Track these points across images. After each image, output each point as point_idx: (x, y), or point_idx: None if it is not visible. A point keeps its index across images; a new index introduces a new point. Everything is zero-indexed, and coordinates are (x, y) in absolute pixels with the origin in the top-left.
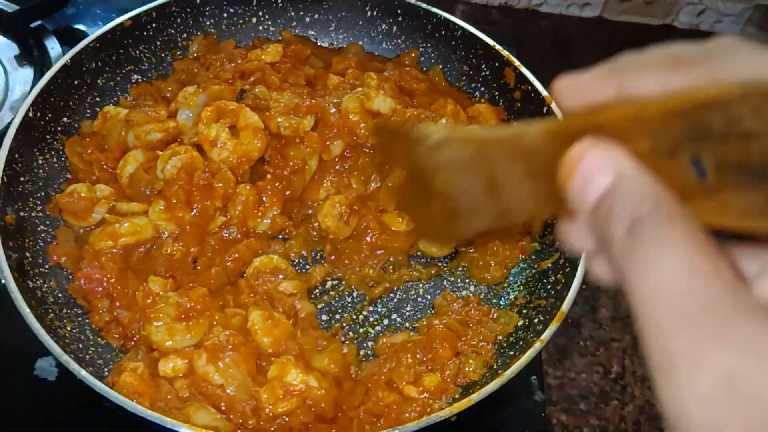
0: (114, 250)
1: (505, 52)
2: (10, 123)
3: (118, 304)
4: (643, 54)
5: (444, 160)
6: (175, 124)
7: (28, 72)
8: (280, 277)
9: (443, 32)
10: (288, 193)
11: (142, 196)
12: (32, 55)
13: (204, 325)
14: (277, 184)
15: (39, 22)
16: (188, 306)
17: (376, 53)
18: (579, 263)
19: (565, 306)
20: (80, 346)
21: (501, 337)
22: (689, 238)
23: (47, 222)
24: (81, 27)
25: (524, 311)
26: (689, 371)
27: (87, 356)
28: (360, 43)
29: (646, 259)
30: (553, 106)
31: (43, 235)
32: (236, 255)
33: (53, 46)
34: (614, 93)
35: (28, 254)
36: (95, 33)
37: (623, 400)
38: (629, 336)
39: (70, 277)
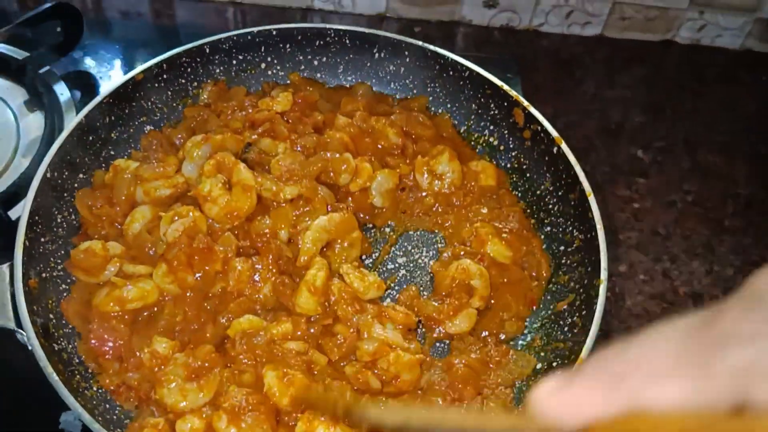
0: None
1: (513, 93)
2: (25, 171)
3: (127, 366)
4: (643, 346)
5: None
6: (184, 179)
7: (38, 117)
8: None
9: (451, 73)
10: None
11: (146, 256)
12: (42, 101)
13: (215, 381)
14: (270, 257)
15: (47, 67)
16: (196, 365)
17: (385, 93)
18: (596, 306)
19: (584, 354)
20: (107, 406)
21: (519, 381)
22: None
23: (68, 280)
24: (88, 70)
25: (542, 354)
26: None
27: (114, 416)
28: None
29: None
30: (563, 145)
31: (64, 294)
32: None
33: (62, 91)
34: (623, 407)
35: (51, 316)
36: (108, 89)
37: None
38: None
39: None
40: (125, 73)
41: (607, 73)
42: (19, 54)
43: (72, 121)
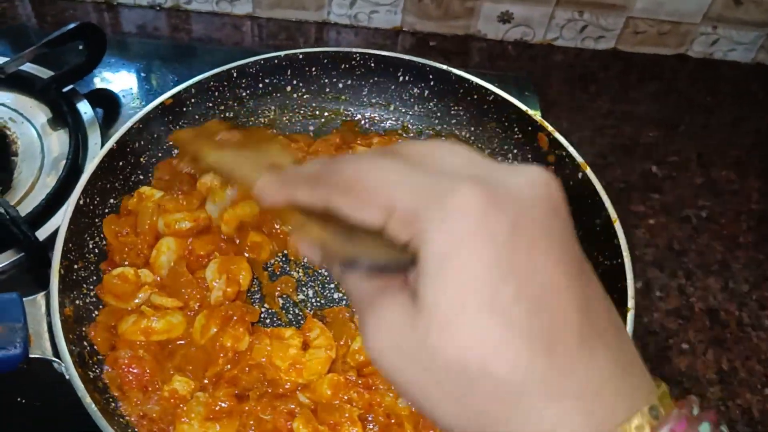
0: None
1: (538, 117)
2: (51, 191)
3: (150, 397)
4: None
5: None
6: (206, 214)
7: (62, 136)
8: None
9: (475, 96)
10: None
11: (179, 292)
12: (66, 120)
13: (235, 425)
14: None
15: (71, 86)
16: (217, 407)
17: (408, 116)
18: None
19: None
20: None
21: None
22: None
23: (100, 307)
24: (108, 87)
25: None
26: None
27: None
28: (392, 107)
29: None
30: (588, 171)
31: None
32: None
33: (86, 110)
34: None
35: (85, 343)
36: (137, 114)
37: None
38: (658, 377)
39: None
40: (144, 89)
41: (620, 88)
42: (43, 73)
43: (101, 143)
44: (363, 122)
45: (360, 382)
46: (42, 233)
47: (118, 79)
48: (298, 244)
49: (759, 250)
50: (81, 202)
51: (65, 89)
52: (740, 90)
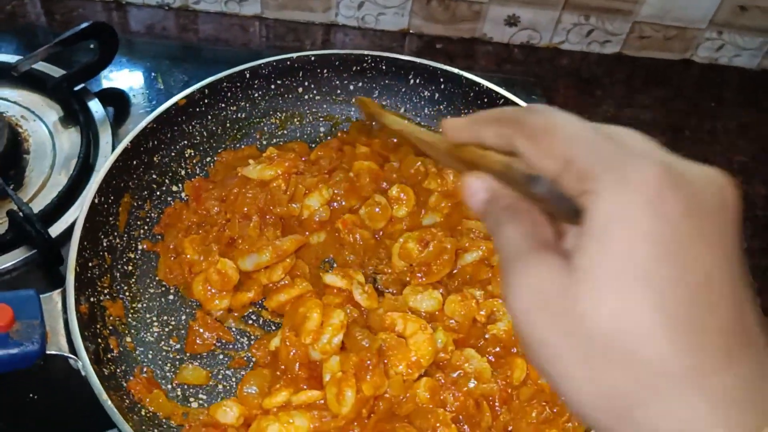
0: None
1: None
2: (63, 189)
3: None
4: (495, 111)
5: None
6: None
7: (73, 134)
8: None
9: (485, 99)
10: None
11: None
12: (78, 119)
13: None
14: None
15: (82, 84)
16: None
17: (418, 118)
18: None
19: None
20: (155, 430)
21: None
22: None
23: (113, 304)
24: (118, 86)
25: None
26: None
27: None
28: (403, 109)
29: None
30: None
31: (111, 318)
32: None
33: (97, 108)
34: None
35: (100, 340)
36: (151, 114)
37: None
38: None
39: (139, 359)
40: (152, 89)
41: (626, 93)
42: (54, 72)
43: (112, 142)
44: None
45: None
46: (54, 230)
47: (128, 79)
48: (467, 184)
49: (764, 257)
50: (96, 200)
51: (77, 88)
52: (745, 96)
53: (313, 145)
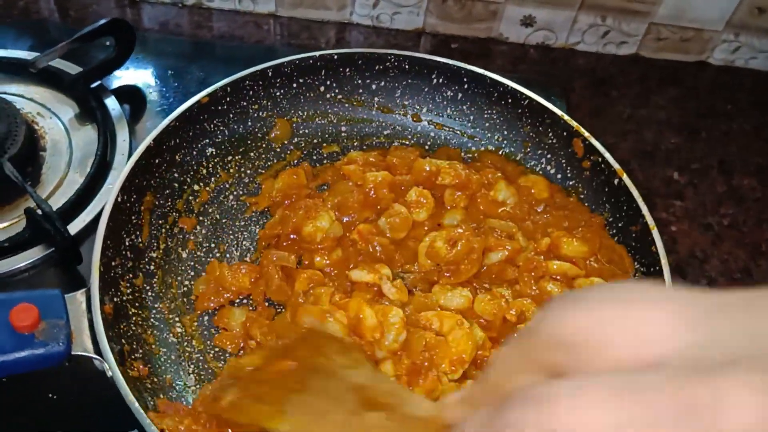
0: None
1: (574, 123)
2: (81, 186)
3: None
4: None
5: None
6: None
7: (89, 132)
8: None
9: (509, 100)
10: None
11: None
12: (95, 116)
13: None
14: None
15: (99, 82)
16: None
17: (440, 118)
18: None
19: None
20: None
21: None
22: None
23: (136, 304)
24: (134, 83)
25: None
26: None
27: None
28: (425, 109)
29: None
30: (625, 178)
31: (134, 318)
32: None
33: (113, 106)
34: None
35: (124, 341)
36: (174, 112)
37: None
38: None
39: (162, 360)
40: (170, 86)
41: (642, 94)
42: (71, 68)
43: (141, 144)
44: (397, 126)
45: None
46: (72, 228)
47: (143, 76)
48: None
49: None
50: (119, 199)
51: (93, 85)
52: (761, 98)
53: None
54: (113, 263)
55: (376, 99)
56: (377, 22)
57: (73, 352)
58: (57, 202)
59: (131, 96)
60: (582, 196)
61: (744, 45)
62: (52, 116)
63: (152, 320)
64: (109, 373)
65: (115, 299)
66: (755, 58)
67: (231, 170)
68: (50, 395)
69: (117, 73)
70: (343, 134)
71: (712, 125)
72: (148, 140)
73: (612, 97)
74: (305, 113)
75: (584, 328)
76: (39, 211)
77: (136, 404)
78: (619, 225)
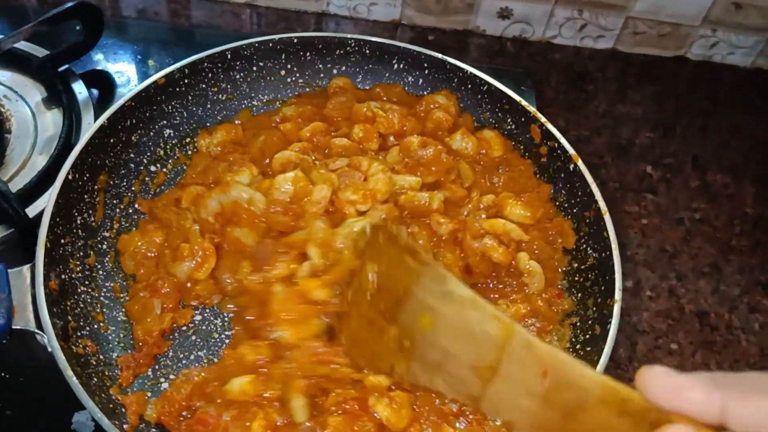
0: None
1: (531, 108)
2: (42, 169)
3: None
4: (748, 376)
5: (450, 311)
6: None
7: (55, 115)
8: None
9: (469, 85)
10: None
11: None
12: (61, 100)
13: None
14: None
15: (66, 65)
16: None
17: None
18: (610, 326)
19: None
20: (123, 410)
21: None
22: None
23: (86, 282)
24: (104, 69)
25: None
26: None
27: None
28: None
29: None
30: (580, 163)
31: (83, 296)
32: None
33: (80, 90)
34: (717, 410)
35: (70, 317)
36: (130, 92)
37: None
38: None
39: (110, 338)
40: (141, 73)
41: (618, 89)
42: (38, 52)
43: (94, 123)
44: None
45: None
46: (32, 210)
47: (115, 61)
48: None
49: (752, 254)
50: (70, 177)
51: (61, 69)
52: (738, 95)
53: None
54: (62, 240)
55: (336, 84)
56: (354, 13)
57: (13, 326)
58: (18, 184)
59: (100, 81)
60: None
61: (721, 41)
62: (18, 99)
63: (102, 298)
64: (50, 348)
65: (63, 276)
66: (732, 54)
67: (189, 152)
68: (2, 374)
69: (93, 57)
70: None
71: (689, 121)
72: (101, 119)
73: (588, 91)
74: (266, 97)
75: None
76: None
77: (74, 379)
78: (574, 211)
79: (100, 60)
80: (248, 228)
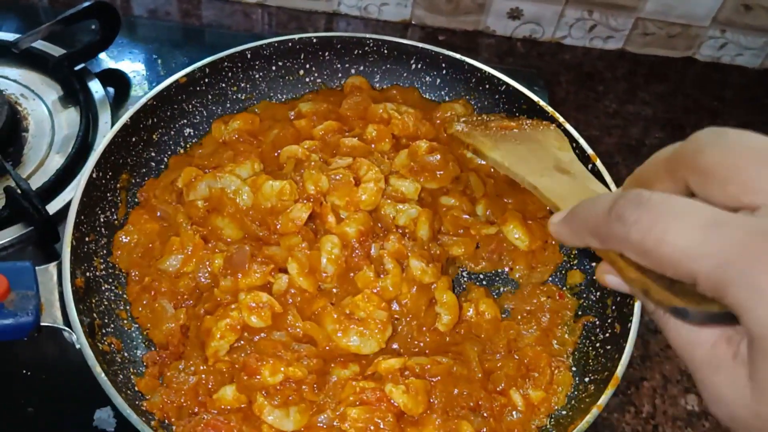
0: None
1: (549, 108)
2: (61, 168)
3: None
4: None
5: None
6: None
7: (72, 114)
8: None
9: (487, 86)
10: None
11: None
12: (78, 98)
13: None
14: None
15: (83, 64)
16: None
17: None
18: (631, 323)
19: (619, 371)
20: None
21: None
22: None
23: (110, 280)
24: (120, 68)
25: (574, 368)
26: None
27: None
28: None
29: None
30: (598, 163)
31: (107, 294)
32: None
33: (97, 89)
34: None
35: (95, 315)
36: (152, 91)
37: None
38: (659, 375)
39: (134, 335)
40: (155, 72)
41: (628, 89)
42: (55, 51)
43: (112, 122)
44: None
45: None
46: (51, 208)
47: (129, 61)
48: (601, 276)
49: None
50: (94, 175)
51: (77, 68)
52: (747, 95)
53: None
54: (87, 239)
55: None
56: (365, 13)
57: (42, 323)
58: (37, 182)
59: (116, 79)
60: None
61: (730, 42)
62: (35, 98)
63: (125, 296)
64: (78, 345)
65: (87, 274)
66: (741, 55)
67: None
68: (24, 371)
69: (104, 57)
70: None
71: (698, 121)
72: (124, 118)
73: (598, 91)
74: (284, 97)
75: (720, 164)
76: (18, 190)
77: (103, 376)
78: None
79: (112, 59)
80: (230, 219)
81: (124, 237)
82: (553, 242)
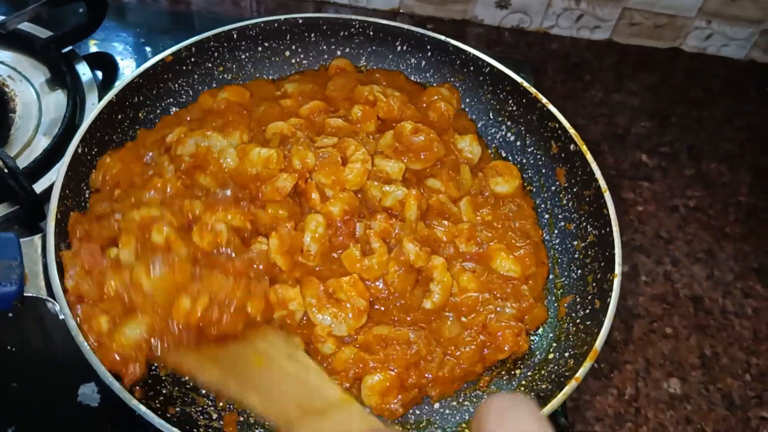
0: None
1: (533, 90)
2: (47, 148)
3: None
4: None
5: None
6: None
7: (59, 96)
8: None
9: (471, 68)
10: None
11: None
12: (65, 81)
13: None
14: None
15: (70, 47)
16: None
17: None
18: (610, 300)
19: (597, 346)
20: None
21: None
22: None
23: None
24: (108, 51)
25: (554, 344)
26: None
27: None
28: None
29: None
30: (580, 143)
31: None
32: None
33: (84, 71)
34: None
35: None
36: (138, 69)
37: (637, 422)
38: (642, 359)
39: None
40: (143, 56)
41: (614, 78)
42: (42, 33)
43: (103, 98)
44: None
45: None
46: (37, 187)
47: (117, 44)
48: None
49: (746, 241)
50: (79, 150)
51: (65, 50)
52: (733, 86)
53: None
54: (71, 213)
55: None
56: (354, 1)
57: (25, 293)
58: (23, 162)
59: (104, 62)
60: (540, 163)
61: (716, 32)
62: (23, 80)
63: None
64: (62, 316)
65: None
66: (727, 46)
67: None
68: (9, 347)
69: (93, 40)
70: None
71: (684, 111)
72: (110, 95)
73: (585, 81)
74: (270, 77)
75: None
76: (5, 169)
77: (86, 345)
78: (574, 190)
79: (101, 42)
80: (212, 178)
81: (108, 160)
82: None
